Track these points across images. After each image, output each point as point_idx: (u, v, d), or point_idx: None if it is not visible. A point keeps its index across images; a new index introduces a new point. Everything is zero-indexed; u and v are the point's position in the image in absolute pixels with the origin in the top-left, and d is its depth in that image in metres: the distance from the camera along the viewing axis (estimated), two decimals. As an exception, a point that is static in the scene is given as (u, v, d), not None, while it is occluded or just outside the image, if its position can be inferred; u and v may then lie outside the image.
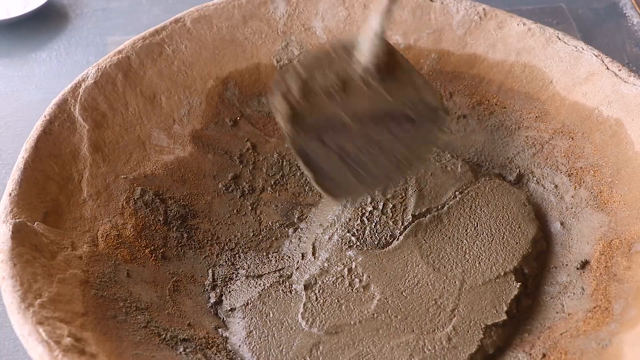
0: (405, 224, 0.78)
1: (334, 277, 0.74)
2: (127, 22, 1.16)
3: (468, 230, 0.77)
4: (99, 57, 1.02)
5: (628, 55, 1.09)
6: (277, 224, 0.82)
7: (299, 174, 0.86)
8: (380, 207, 0.79)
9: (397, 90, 0.77)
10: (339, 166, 0.75)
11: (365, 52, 0.76)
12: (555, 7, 1.16)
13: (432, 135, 0.79)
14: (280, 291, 0.74)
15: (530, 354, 0.69)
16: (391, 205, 0.79)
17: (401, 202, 0.80)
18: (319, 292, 0.73)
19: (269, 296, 0.74)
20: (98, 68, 0.80)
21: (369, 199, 0.80)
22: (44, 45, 1.11)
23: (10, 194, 0.70)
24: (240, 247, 0.80)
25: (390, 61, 0.78)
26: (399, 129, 0.77)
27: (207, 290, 0.76)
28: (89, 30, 1.14)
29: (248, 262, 0.78)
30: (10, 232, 0.66)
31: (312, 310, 0.72)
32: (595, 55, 0.83)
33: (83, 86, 0.79)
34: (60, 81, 1.04)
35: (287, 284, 0.75)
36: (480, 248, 0.76)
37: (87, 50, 1.11)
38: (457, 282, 0.73)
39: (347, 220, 0.79)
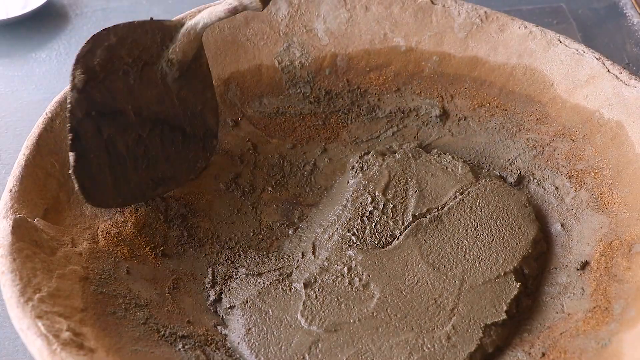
0: (406, 224, 0.78)
1: (334, 276, 0.74)
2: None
3: (468, 231, 0.77)
4: (99, 57, 1.03)
5: (628, 55, 1.09)
6: (277, 223, 0.82)
7: (299, 174, 0.86)
8: (381, 207, 0.79)
9: (186, 98, 0.77)
10: (102, 160, 0.73)
11: (177, 45, 0.76)
12: (555, 7, 1.17)
13: (195, 159, 0.80)
14: (280, 289, 0.74)
15: (530, 353, 0.69)
16: (391, 205, 0.79)
17: (402, 203, 0.80)
18: (318, 290, 0.73)
19: (268, 294, 0.74)
20: (100, 67, 0.80)
21: (370, 199, 0.80)
22: (44, 45, 1.12)
23: (10, 190, 0.70)
24: (241, 245, 0.80)
25: (195, 65, 0.78)
26: (169, 138, 0.77)
27: (206, 288, 0.76)
28: (89, 30, 1.15)
29: (248, 261, 0.78)
30: (11, 228, 0.66)
31: (311, 309, 0.72)
32: (597, 58, 0.83)
33: (85, 84, 0.79)
34: (60, 81, 1.05)
35: (286, 282, 0.75)
36: (481, 248, 0.76)
37: (87, 50, 1.10)
38: (457, 282, 0.73)
39: (348, 220, 0.78)
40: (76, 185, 0.71)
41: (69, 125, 0.70)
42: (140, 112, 0.74)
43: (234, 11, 0.74)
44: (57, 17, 1.16)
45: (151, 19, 0.75)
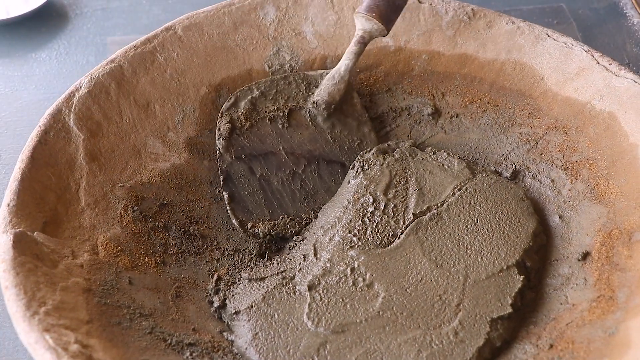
0: (407, 222, 0.78)
1: (337, 277, 0.74)
2: (127, 22, 1.16)
3: (468, 226, 0.78)
4: (99, 57, 1.03)
5: (628, 55, 1.09)
6: (277, 227, 0.82)
7: (295, 177, 0.86)
8: (382, 207, 0.79)
9: (341, 135, 0.82)
10: (257, 196, 0.80)
11: (322, 89, 0.82)
12: (555, 7, 1.17)
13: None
14: (284, 293, 0.74)
15: (537, 345, 0.69)
16: (392, 205, 0.79)
17: (402, 202, 0.80)
18: (323, 292, 0.73)
19: (273, 298, 0.73)
20: (91, 77, 0.80)
21: (371, 200, 0.80)
22: (44, 45, 1.11)
23: (8, 205, 0.69)
24: (241, 251, 0.79)
25: (347, 106, 0.83)
26: (327, 171, 0.82)
27: (210, 294, 0.75)
28: (89, 30, 1.14)
29: (250, 266, 0.78)
30: (12, 242, 0.66)
31: (317, 310, 0.72)
32: (585, 51, 0.84)
33: (77, 96, 0.79)
34: (60, 81, 1.04)
35: (290, 285, 0.74)
36: (482, 243, 0.76)
37: (87, 50, 1.10)
38: (460, 278, 0.73)
39: (349, 221, 0.78)
40: (234, 221, 0.80)
41: (219, 167, 0.80)
42: (293, 152, 0.81)
43: (362, 41, 0.82)
44: (57, 17, 1.15)
45: (295, 72, 0.85)
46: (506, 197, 0.80)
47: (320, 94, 0.82)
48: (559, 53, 0.85)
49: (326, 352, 0.69)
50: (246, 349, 0.70)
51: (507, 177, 0.84)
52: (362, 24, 0.83)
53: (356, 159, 0.83)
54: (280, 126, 0.81)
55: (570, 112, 0.83)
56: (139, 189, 0.78)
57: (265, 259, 0.79)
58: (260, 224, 0.79)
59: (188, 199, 0.81)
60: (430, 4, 0.89)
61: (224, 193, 0.79)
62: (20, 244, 0.66)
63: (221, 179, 0.78)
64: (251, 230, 0.80)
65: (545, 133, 0.84)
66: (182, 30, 0.86)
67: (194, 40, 0.86)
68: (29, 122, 0.97)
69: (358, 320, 0.71)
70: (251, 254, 0.79)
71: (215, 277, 0.76)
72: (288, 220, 0.80)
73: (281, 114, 0.81)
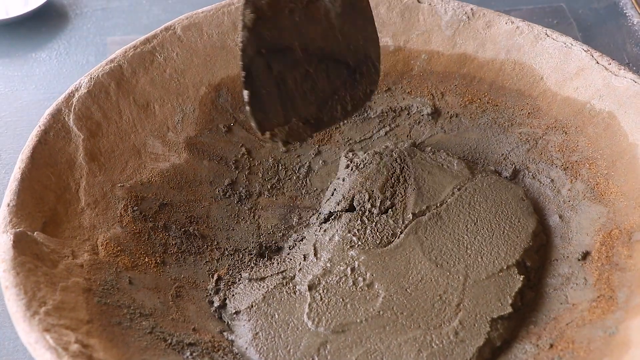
0: (406, 222, 0.78)
1: (338, 277, 0.74)
2: (127, 22, 1.16)
3: (468, 226, 0.78)
4: (99, 57, 1.03)
5: (628, 55, 1.09)
6: (276, 227, 0.82)
7: (295, 177, 0.86)
8: (378, 204, 0.79)
9: (349, 33, 0.77)
10: (273, 95, 0.73)
11: None
12: (555, 7, 1.17)
13: (359, 93, 0.79)
14: (285, 292, 0.74)
15: (538, 345, 0.69)
16: (391, 204, 0.79)
17: (401, 201, 0.80)
18: (323, 292, 0.73)
19: (273, 298, 0.73)
20: (91, 77, 0.80)
21: (367, 197, 0.80)
22: (44, 45, 1.11)
23: (8, 205, 0.69)
24: (241, 251, 0.79)
25: (355, 0, 0.78)
26: (335, 72, 0.77)
27: (210, 294, 0.75)
28: (89, 30, 1.15)
29: (250, 266, 0.78)
30: (12, 242, 0.66)
31: (317, 310, 0.72)
32: (585, 50, 0.84)
33: (76, 96, 0.79)
34: (60, 81, 1.05)
35: (290, 285, 0.74)
36: (482, 243, 0.76)
37: (87, 50, 1.11)
38: (460, 277, 0.73)
39: (348, 220, 0.78)
40: (252, 122, 0.72)
41: (241, 63, 0.71)
42: (307, 48, 0.75)
43: None
44: (57, 17, 1.15)
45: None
46: (506, 197, 0.80)
47: None
48: (558, 53, 0.85)
49: (326, 351, 0.69)
50: (246, 348, 0.70)
51: (506, 177, 0.84)
52: None
53: (344, 154, 0.83)
54: (297, 19, 0.75)
55: (569, 111, 0.83)
56: (139, 188, 0.78)
57: (265, 258, 0.79)
58: (276, 129, 0.74)
59: (188, 198, 0.81)
60: (429, 4, 0.89)
61: (245, 91, 0.71)
62: (21, 243, 0.66)
63: (242, 76, 0.72)
64: (270, 137, 0.74)
65: (545, 133, 0.84)
66: (181, 30, 0.86)
67: (193, 40, 0.86)
68: (29, 122, 0.97)
69: (358, 320, 0.71)
70: (251, 254, 0.79)
71: (216, 276, 0.76)
72: (300, 124, 0.75)
73: (300, 6, 0.75)
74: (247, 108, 0.71)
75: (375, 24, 0.79)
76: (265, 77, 0.73)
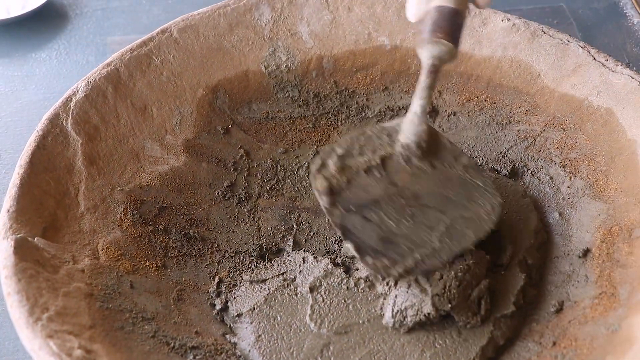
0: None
1: (339, 278, 0.74)
2: (127, 22, 1.16)
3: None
4: (99, 57, 1.03)
5: (628, 55, 1.10)
6: (276, 229, 0.82)
7: (294, 178, 0.86)
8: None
9: (442, 169, 0.76)
10: (381, 240, 0.72)
11: (405, 132, 0.75)
12: (555, 7, 1.18)
13: (477, 216, 0.74)
14: (286, 294, 0.74)
15: (540, 343, 0.69)
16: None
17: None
18: (324, 293, 0.73)
19: (275, 300, 0.73)
20: (88, 81, 0.80)
21: None
22: (44, 45, 1.11)
23: (8, 210, 0.69)
24: (241, 253, 0.79)
25: (435, 146, 0.76)
26: (441, 205, 0.75)
27: (211, 297, 0.75)
28: (89, 30, 1.15)
29: (251, 268, 0.78)
30: (12, 248, 0.66)
31: (319, 312, 0.72)
32: (582, 47, 0.84)
33: (74, 100, 0.78)
34: (60, 81, 1.05)
35: (292, 287, 0.74)
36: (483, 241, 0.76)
37: (87, 50, 1.11)
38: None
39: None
40: (370, 269, 0.71)
41: (333, 224, 0.72)
42: (402, 194, 0.74)
43: (434, 69, 0.72)
44: (57, 17, 1.15)
45: (372, 126, 0.78)
46: (506, 195, 0.80)
47: (407, 136, 0.75)
48: (555, 50, 0.85)
49: (329, 353, 0.69)
50: (249, 351, 0.70)
51: (505, 175, 0.84)
52: (428, 50, 0.72)
53: None
54: (378, 174, 0.75)
55: (567, 108, 0.83)
56: (138, 192, 0.78)
57: (266, 260, 0.79)
58: (396, 265, 0.71)
59: (187, 201, 0.81)
60: (426, 3, 0.89)
61: (348, 244, 0.72)
62: (21, 250, 0.66)
63: (340, 234, 0.72)
64: (400, 272, 0.71)
65: (543, 130, 0.84)
66: (177, 33, 0.86)
67: (189, 42, 0.86)
68: (29, 123, 0.97)
69: (361, 321, 0.71)
70: (252, 256, 0.79)
71: (217, 279, 0.76)
72: (423, 255, 0.72)
73: (375, 164, 0.75)
74: (358, 258, 0.71)
75: (461, 149, 0.78)
76: (364, 228, 0.72)
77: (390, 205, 0.73)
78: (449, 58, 0.71)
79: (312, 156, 0.87)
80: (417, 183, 0.75)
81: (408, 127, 0.74)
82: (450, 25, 0.71)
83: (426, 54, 0.71)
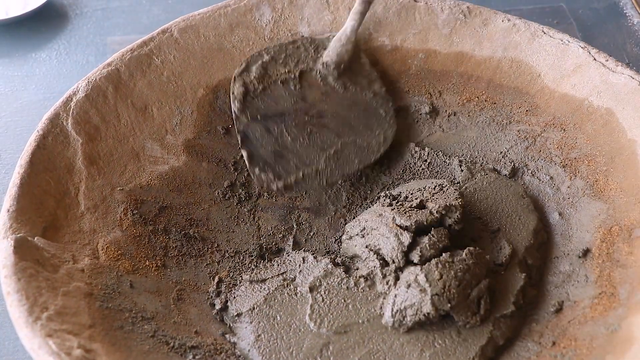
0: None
1: (339, 278, 0.74)
2: (127, 22, 1.16)
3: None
4: (99, 57, 1.03)
5: (628, 55, 1.10)
6: (276, 228, 0.82)
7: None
8: None
9: (353, 91, 0.83)
10: (275, 153, 0.80)
11: (330, 50, 0.82)
12: (555, 7, 1.18)
13: (369, 144, 0.83)
14: (286, 294, 0.74)
15: (540, 343, 0.69)
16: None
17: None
18: (324, 293, 0.73)
19: (274, 300, 0.73)
20: (88, 81, 0.80)
21: None
22: (44, 45, 1.11)
23: (8, 210, 0.69)
24: (241, 253, 0.79)
25: (356, 65, 0.84)
26: (340, 126, 0.82)
27: (211, 297, 0.75)
28: (89, 30, 1.15)
29: (250, 268, 0.78)
30: (12, 247, 0.66)
31: (319, 312, 0.71)
32: (582, 47, 0.84)
33: (74, 100, 0.78)
34: (60, 81, 1.05)
35: (291, 286, 0.74)
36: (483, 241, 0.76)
37: (87, 50, 1.11)
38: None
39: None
40: (254, 179, 0.82)
41: (237, 129, 0.82)
42: (307, 111, 0.81)
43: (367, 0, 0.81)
44: (57, 17, 1.15)
45: (302, 37, 0.85)
46: (506, 195, 0.80)
47: (329, 54, 0.83)
48: (555, 50, 0.85)
49: (329, 352, 0.69)
50: (249, 351, 0.70)
51: (505, 175, 0.84)
52: None
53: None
54: (292, 87, 0.82)
55: (567, 109, 0.83)
56: (138, 192, 0.78)
57: (266, 260, 0.79)
58: (273, 184, 0.81)
59: (187, 201, 0.81)
60: (426, 3, 0.89)
61: (243, 151, 0.80)
62: (21, 249, 0.66)
63: (239, 139, 0.80)
64: (279, 186, 0.81)
65: (543, 130, 0.84)
66: (178, 33, 0.86)
67: (190, 43, 0.86)
68: (29, 123, 0.97)
69: (360, 321, 0.71)
70: (252, 256, 0.79)
71: (217, 279, 0.76)
72: (305, 174, 0.82)
73: (292, 76, 0.82)
74: (248, 167, 0.80)
75: (377, 74, 0.85)
76: (263, 138, 0.81)
77: (293, 120, 0.81)
78: None
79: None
80: (325, 102, 0.82)
81: (333, 45, 0.83)
82: None
83: None
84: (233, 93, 0.82)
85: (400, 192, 0.79)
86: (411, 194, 0.78)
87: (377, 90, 0.84)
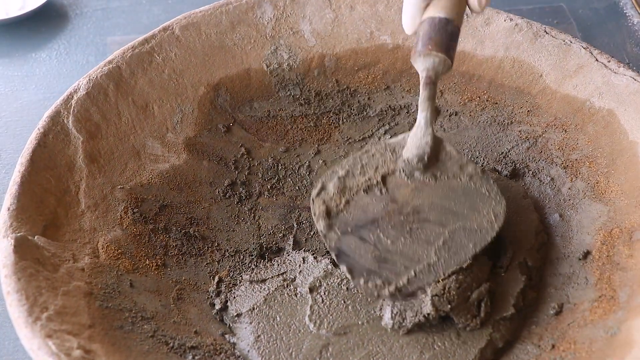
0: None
1: (339, 279, 0.74)
2: (127, 21, 1.16)
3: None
4: (99, 57, 1.03)
5: (628, 55, 1.09)
6: (277, 228, 0.82)
7: (294, 177, 0.86)
8: None
9: (446, 179, 0.76)
10: (375, 259, 0.73)
11: (409, 147, 0.75)
12: (555, 7, 1.17)
13: (479, 226, 0.75)
14: (286, 295, 0.74)
15: (539, 346, 0.69)
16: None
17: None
18: (324, 294, 0.73)
19: (274, 300, 0.73)
20: (89, 79, 0.80)
21: None
22: (44, 45, 1.11)
23: (9, 209, 0.69)
24: (241, 253, 0.79)
25: (442, 156, 0.76)
26: (441, 217, 0.75)
27: (211, 297, 0.75)
28: (89, 30, 1.15)
29: (250, 267, 0.78)
30: (12, 247, 0.66)
31: (319, 312, 0.72)
32: (584, 48, 0.84)
33: (75, 97, 0.78)
34: (60, 81, 1.05)
35: (291, 287, 0.74)
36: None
37: (87, 50, 1.11)
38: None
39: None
40: (362, 291, 0.73)
41: (329, 247, 0.74)
42: (401, 212, 0.74)
43: (430, 81, 0.72)
44: (57, 17, 1.15)
45: (375, 143, 0.80)
46: (507, 196, 0.80)
47: (409, 150, 0.75)
48: (557, 50, 0.85)
49: (328, 354, 0.69)
50: (248, 351, 0.70)
51: (506, 176, 0.84)
52: (422, 63, 0.71)
53: None
54: (378, 193, 0.76)
55: (569, 109, 0.83)
56: (139, 190, 0.78)
57: (266, 260, 0.79)
58: (389, 284, 0.72)
59: (188, 200, 0.81)
60: (428, 2, 0.89)
61: (342, 267, 0.73)
62: (21, 248, 0.66)
63: (334, 256, 0.73)
64: (391, 291, 0.72)
65: (545, 131, 0.84)
66: (179, 30, 0.86)
67: (191, 40, 0.86)
68: (29, 122, 0.97)
69: (360, 322, 0.71)
70: (252, 255, 0.79)
71: (217, 279, 0.76)
72: (417, 271, 0.73)
73: (375, 182, 0.76)
74: (351, 280, 0.73)
75: (467, 158, 0.78)
76: (359, 249, 0.73)
77: (389, 223, 0.74)
78: (443, 69, 0.71)
79: (313, 155, 0.87)
80: (419, 197, 0.75)
81: (412, 141, 0.75)
82: (442, 36, 0.70)
83: (420, 67, 0.72)
84: (315, 214, 0.75)
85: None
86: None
87: (472, 173, 0.76)
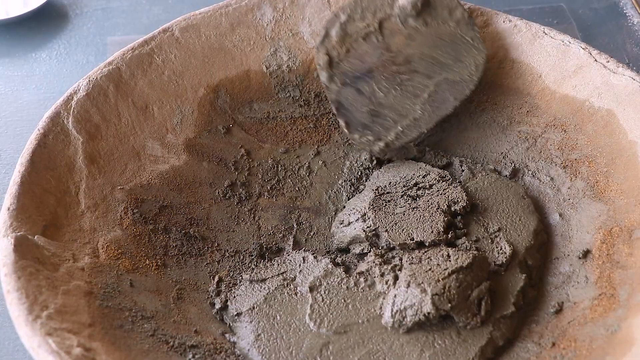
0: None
1: (339, 278, 0.74)
2: (127, 21, 1.16)
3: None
4: (99, 57, 1.03)
5: (628, 55, 1.10)
6: (276, 228, 0.82)
7: (294, 178, 0.86)
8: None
9: (437, 26, 0.82)
10: (369, 113, 0.80)
11: None
12: (555, 7, 1.17)
13: (461, 77, 0.82)
14: (286, 294, 0.74)
15: (540, 344, 0.69)
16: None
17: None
18: (324, 293, 0.73)
19: (274, 299, 0.73)
20: (89, 80, 0.80)
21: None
22: (44, 45, 1.11)
23: (9, 208, 0.69)
24: (241, 253, 0.79)
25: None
26: (430, 67, 0.81)
27: (211, 296, 0.75)
28: (89, 30, 1.15)
29: (250, 267, 0.78)
30: (12, 246, 0.66)
31: (319, 311, 0.71)
32: (583, 48, 0.84)
33: (75, 98, 0.78)
34: (60, 81, 1.05)
35: (291, 286, 0.74)
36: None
37: (87, 50, 1.11)
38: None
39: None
40: (355, 145, 0.84)
41: (329, 99, 0.82)
42: (394, 61, 0.81)
43: None
44: (57, 17, 1.16)
45: None
46: (507, 196, 0.80)
47: None
48: (556, 51, 0.85)
49: (329, 352, 0.69)
50: (249, 350, 0.70)
51: (506, 176, 0.84)
52: None
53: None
54: (375, 40, 0.82)
55: (568, 109, 0.83)
56: (139, 191, 0.78)
57: (266, 259, 0.79)
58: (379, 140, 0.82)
59: (188, 200, 0.81)
60: (428, 3, 0.89)
61: (340, 121, 0.81)
62: (21, 247, 0.66)
63: (334, 109, 0.81)
64: (381, 147, 0.82)
65: (544, 131, 0.84)
66: (179, 32, 0.86)
67: (191, 42, 0.86)
68: (29, 122, 0.97)
69: (360, 321, 0.71)
70: (252, 255, 0.79)
71: (217, 278, 0.76)
72: (404, 127, 0.82)
73: (373, 29, 0.82)
74: (347, 135, 0.81)
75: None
76: (357, 101, 0.81)
77: (383, 74, 0.80)
78: None
79: (313, 156, 0.87)
80: (410, 46, 0.81)
81: None
82: None
83: None
84: (319, 64, 0.82)
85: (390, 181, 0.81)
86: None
87: (459, 17, 0.83)
